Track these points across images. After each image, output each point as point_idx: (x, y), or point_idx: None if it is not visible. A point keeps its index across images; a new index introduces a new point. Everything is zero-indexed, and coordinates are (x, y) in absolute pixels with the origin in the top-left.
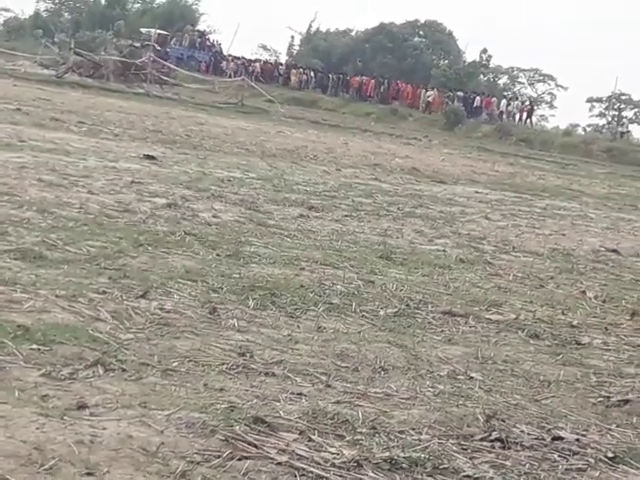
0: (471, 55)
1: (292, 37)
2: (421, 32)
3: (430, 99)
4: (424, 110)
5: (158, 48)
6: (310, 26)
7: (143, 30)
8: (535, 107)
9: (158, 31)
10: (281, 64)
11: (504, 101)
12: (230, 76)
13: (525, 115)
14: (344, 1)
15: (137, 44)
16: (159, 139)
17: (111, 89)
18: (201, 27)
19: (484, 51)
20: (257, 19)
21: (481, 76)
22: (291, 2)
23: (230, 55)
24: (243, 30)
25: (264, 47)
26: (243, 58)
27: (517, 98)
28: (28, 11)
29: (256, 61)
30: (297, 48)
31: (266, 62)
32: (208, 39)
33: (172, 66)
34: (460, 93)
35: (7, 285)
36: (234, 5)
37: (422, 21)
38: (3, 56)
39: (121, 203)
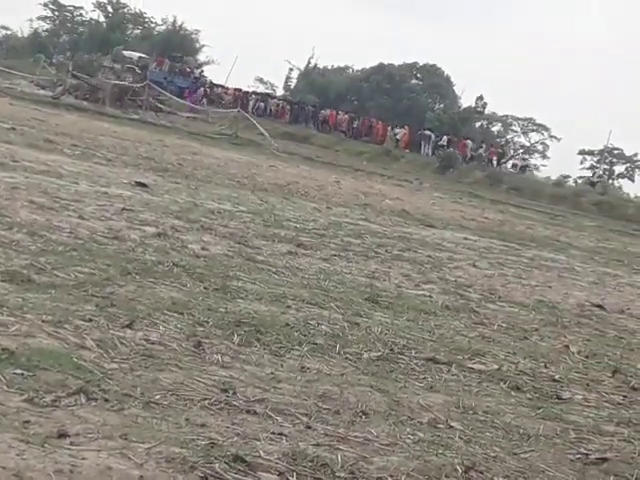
0: (467, 101)
1: (290, 69)
2: (419, 75)
3: (398, 137)
4: (394, 147)
5: (138, 71)
6: (309, 62)
7: (125, 53)
8: (505, 152)
9: (139, 54)
10: (256, 93)
11: (470, 142)
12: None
13: (495, 159)
14: (343, 39)
15: (117, 65)
16: (151, 166)
17: (106, 113)
18: (201, 58)
19: (480, 98)
20: (256, 52)
21: (475, 122)
22: (290, 38)
23: (218, 85)
24: (241, 62)
25: (260, 80)
26: (227, 88)
27: (483, 143)
28: (27, 30)
29: (227, 89)
30: (294, 82)
31: (237, 90)
32: (189, 67)
33: (169, 95)
34: (427, 132)
35: None
36: (233, 37)
37: (421, 64)
38: (0, 74)
39: (111, 230)
